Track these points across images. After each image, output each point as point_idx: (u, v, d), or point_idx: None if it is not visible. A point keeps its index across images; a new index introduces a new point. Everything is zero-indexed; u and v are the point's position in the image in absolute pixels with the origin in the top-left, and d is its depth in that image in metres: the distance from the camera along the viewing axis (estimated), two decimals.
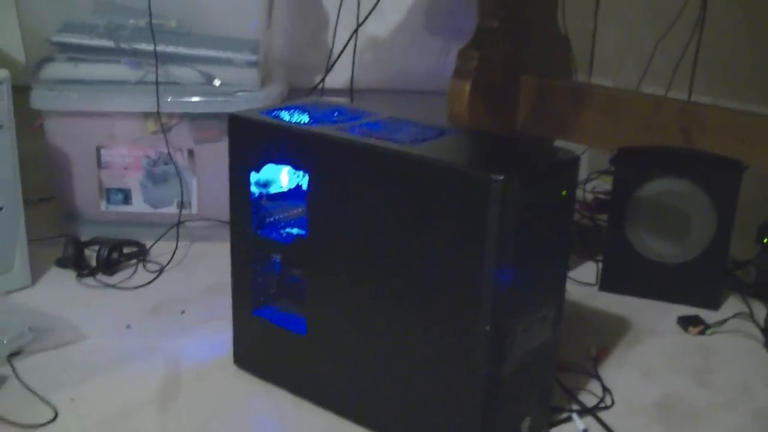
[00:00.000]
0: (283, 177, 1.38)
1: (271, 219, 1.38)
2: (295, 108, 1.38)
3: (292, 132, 1.28)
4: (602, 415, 1.36)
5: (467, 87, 1.64)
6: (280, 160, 1.31)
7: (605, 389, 1.43)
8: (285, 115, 1.34)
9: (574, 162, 1.20)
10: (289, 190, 1.39)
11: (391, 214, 1.18)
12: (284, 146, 1.28)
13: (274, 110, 1.36)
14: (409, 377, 1.22)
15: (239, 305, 1.41)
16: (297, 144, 1.27)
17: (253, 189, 1.34)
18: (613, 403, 1.40)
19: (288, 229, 1.37)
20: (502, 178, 1.06)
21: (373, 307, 1.23)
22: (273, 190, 1.37)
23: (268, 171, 1.34)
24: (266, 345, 1.39)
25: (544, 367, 1.26)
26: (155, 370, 1.45)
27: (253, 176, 1.33)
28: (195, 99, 1.89)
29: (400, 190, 1.16)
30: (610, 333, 1.64)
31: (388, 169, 1.17)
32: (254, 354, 1.43)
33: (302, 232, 1.32)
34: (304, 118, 1.33)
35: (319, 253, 1.28)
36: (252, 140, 1.32)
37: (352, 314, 1.26)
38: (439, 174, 1.12)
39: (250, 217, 1.35)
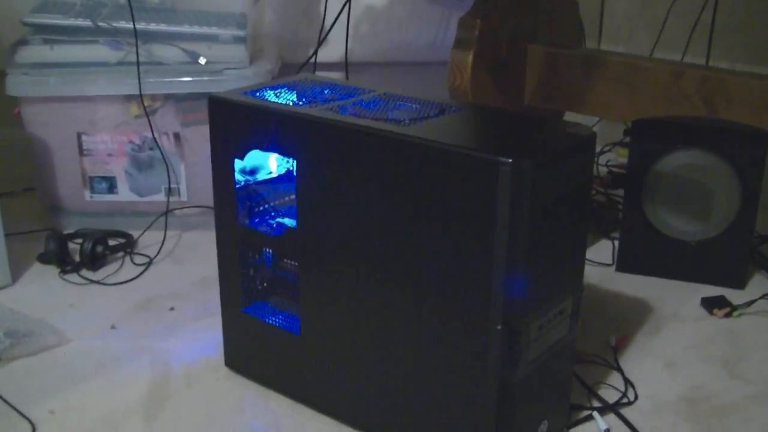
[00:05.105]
0: (271, 162, 1.27)
1: (261, 208, 1.28)
2: (283, 86, 1.27)
3: (276, 114, 1.16)
4: (625, 411, 1.27)
5: (469, 58, 1.53)
6: (265, 147, 1.20)
7: (627, 383, 1.34)
8: (271, 95, 1.23)
9: (590, 140, 1.09)
10: (279, 175, 1.28)
11: (390, 202, 1.07)
12: (269, 130, 1.17)
13: (260, 89, 1.25)
14: (414, 380, 1.12)
15: (228, 303, 1.31)
16: (282, 128, 1.16)
17: (238, 177, 1.24)
18: (636, 398, 1.30)
19: (279, 219, 1.27)
20: (511, 161, 0.95)
21: (373, 304, 1.13)
22: (261, 176, 1.27)
23: (255, 157, 1.24)
24: (259, 345, 1.29)
25: (562, 366, 1.16)
26: (142, 376, 1.35)
27: (238, 164, 1.22)
28: (180, 79, 1.79)
29: (398, 177, 1.05)
30: (630, 318, 1.54)
31: (385, 153, 1.06)
32: (246, 355, 1.33)
33: (294, 223, 1.22)
34: (292, 98, 1.22)
35: (312, 247, 1.18)
36: (234, 124, 1.21)
37: (350, 312, 1.16)
38: (440, 158, 1.01)
39: (235, 208, 1.24)
